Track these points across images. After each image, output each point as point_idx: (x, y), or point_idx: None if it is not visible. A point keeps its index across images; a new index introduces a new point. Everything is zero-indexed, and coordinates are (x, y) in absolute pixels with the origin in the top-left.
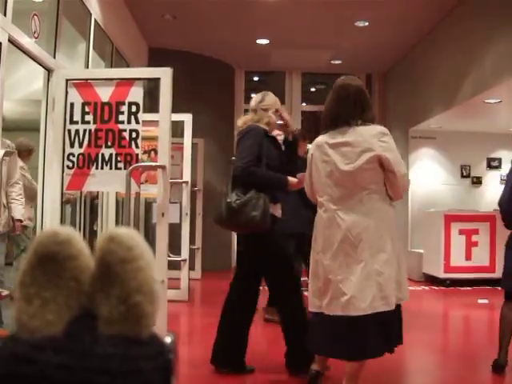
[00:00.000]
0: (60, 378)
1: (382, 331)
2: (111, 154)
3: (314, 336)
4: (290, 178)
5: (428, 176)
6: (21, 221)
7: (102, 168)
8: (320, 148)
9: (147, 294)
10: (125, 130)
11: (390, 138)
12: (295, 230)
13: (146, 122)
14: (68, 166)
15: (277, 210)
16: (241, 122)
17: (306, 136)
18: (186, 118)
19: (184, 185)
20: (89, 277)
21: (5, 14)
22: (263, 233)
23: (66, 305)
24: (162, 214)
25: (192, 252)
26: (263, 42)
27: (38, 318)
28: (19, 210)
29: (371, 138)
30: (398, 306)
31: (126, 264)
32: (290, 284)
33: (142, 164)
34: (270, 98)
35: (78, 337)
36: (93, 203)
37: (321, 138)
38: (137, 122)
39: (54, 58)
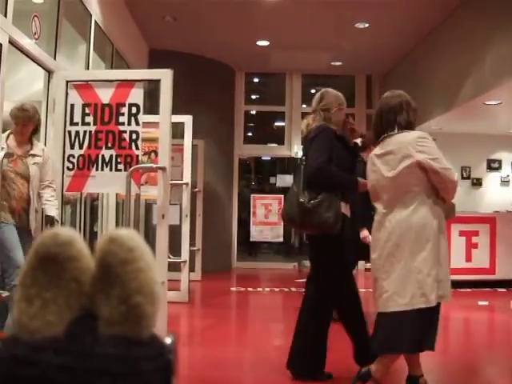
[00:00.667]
0: (61, 380)
1: (418, 328)
2: (111, 156)
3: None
4: (360, 180)
5: None
6: (57, 220)
7: (102, 169)
8: (370, 159)
9: (148, 295)
10: (125, 132)
11: (427, 141)
12: None
13: (147, 124)
14: (68, 168)
15: (347, 210)
16: (304, 125)
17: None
18: (186, 120)
19: (184, 186)
20: (89, 278)
21: (5, 15)
22: (333, 233)
23: (66, 306)
24: (162, 216)
25: (192, 253)
26: (263, 43)
27: (39, 318)
28: (54, 211)
29: (409, 144)
30: (438, 305)
31: (127, 265)
32: (347, 283)
33: (142, 165)
34: (329, 96)
35: (78, 338)
36: (93, 204)
37: (373, 151)
38: (137, 123)
39: (55, 59)
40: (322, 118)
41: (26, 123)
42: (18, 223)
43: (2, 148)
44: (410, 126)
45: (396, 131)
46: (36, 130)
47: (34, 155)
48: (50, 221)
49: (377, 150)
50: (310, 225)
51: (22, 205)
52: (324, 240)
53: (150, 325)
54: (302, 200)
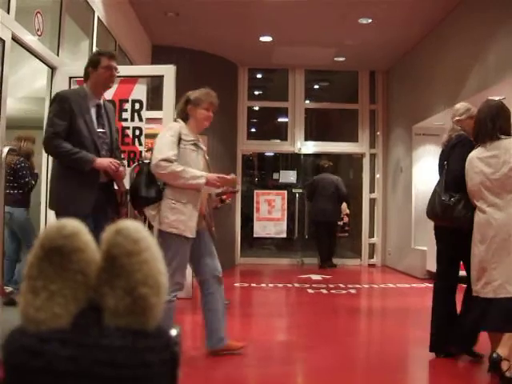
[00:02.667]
0: (67, 371)
1: None
2: None
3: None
4: None
5: (431, 173)
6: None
7: None
8: (471, 161)
9: (153, 287)
10: (128, 128)
11: None
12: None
13: (150, 120)
14: None
15: None
16: (448, 135)
17: None
18: None
19: None
20: (95, 270)
21: (8, 12)
22: (467, 230)
23: (72, 297)
24: None
25: None
26: (266, 39)
27: (45, 310)
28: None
29: (510, 150)
30: None
31: (132, 257)
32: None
33: (146, 161)
34: (460, 108)
35: (84, 329)
36: None
37: (472, 153)
38: (140, 119)
39: (58, 55)
40: (458, 128)
41: (215, 111)
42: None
43: (184, 140)
44: (510, 133)
45: (502, 137)
46: None
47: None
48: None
49: (478, 153)
50: (451, 218)
51: (205, 206)
52: (459, 235)
53: (156, 316)
54: (443, 198)
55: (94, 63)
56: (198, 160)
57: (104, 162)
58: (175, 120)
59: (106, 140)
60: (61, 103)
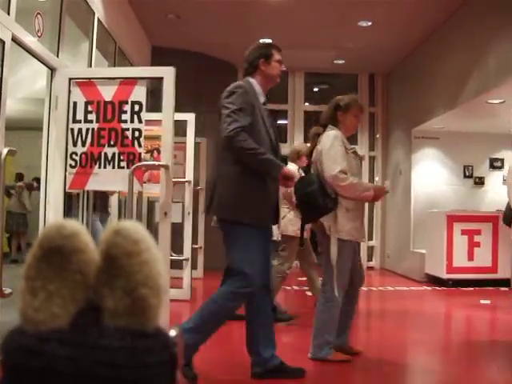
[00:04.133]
0: (66, 371)
1: None
2: (114, 153)
3: None
4: None
5: (431, 176)
6: None
7: (104, 167)
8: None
9: (153, 288)
10: (128, 129)
11: None
12: None
13: (149, 122)
14: (71, 165)
15: None
16: None
17: None
18: (189, 118)
19: (187, 184)
20: (94, 269)
21: (8, 13)
22: None
23: (71, 298)
24: (165, 214)
25: (194, 251)
26: (266, 41)
27: (43, 311)
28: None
29: None
30: None
31: (132, 257)
32: None
33: (145, 163)
34: None
35: (83, 330)
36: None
37: None
38: (140, 121)
39: (58, 56)
40: None
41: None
42: None
43: (347, 148)
44: None
45: None
46: None
47: None
48: None
49: None
50: None
51: None
52: None
53: (155, 317)
54: None
55: (267, 55)
56: (359, 168)
57: (290, 169)
58: (324, 126)
59: (274, 143)
60: (244, 96)
